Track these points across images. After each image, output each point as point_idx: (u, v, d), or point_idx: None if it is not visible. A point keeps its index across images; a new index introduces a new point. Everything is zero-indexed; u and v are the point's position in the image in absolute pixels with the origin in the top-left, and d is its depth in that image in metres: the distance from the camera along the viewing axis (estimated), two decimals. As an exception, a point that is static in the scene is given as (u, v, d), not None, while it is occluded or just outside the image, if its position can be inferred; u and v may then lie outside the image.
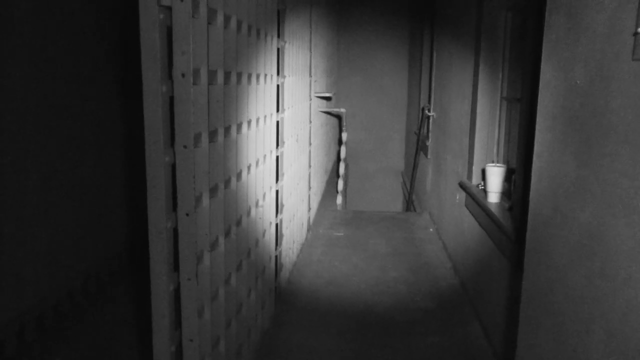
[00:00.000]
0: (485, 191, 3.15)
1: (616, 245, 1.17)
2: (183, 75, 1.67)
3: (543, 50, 1.65)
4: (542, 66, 1.65)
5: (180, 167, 1.73)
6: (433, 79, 5.57)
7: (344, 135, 5.81)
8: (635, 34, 1.09)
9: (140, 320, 3.53)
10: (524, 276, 1.81)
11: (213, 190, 2.01)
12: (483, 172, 3.26)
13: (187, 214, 1.77)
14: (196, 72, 1.78)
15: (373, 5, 8.09)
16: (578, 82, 1.37)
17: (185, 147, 1.71)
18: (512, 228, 2.57)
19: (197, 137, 1.82)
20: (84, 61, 3.88)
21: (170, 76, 1.69)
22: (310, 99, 4.78)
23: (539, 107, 1.67)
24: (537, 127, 1.68)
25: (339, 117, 6.98)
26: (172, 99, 1.71)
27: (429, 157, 5.67)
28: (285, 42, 3.33)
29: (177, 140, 1.72)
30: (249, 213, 2.54)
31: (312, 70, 4.85)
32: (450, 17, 4.82)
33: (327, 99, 5.88)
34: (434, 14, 5.73)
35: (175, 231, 1.81)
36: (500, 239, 2.72)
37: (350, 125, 7.96)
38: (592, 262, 1.28)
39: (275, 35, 3.03)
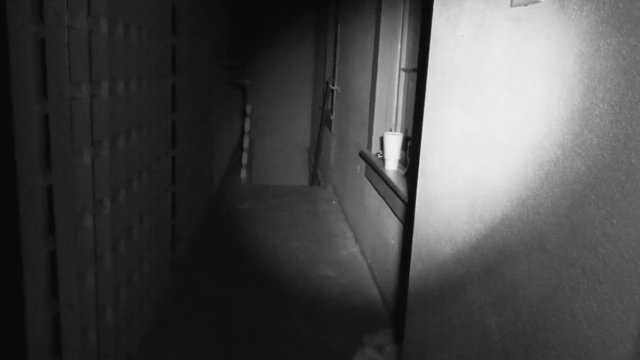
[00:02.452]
0: (383, 159, 3.22)
1: (495, 188, 1.22)
2: (55, 14, 1.51)
3: (434, 9, 1.68)
4: (432, 24, 1.68)
5: (54, 117, 1.57)
6: (337, 52, 5.60)
7: (248, 108, 5.70)
8: (514, -20, 1.13)
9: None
10: (414, 233, 1.86)
11: (96, 147, 1.86)
12: (382, 140, 3.34)
13: (63, 171, 1.62)
14: (74, 14, 1.62)
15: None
16: (463, 34, 1.41)
17: (59, 94, 1.55)
18: (406, 192, 2.65)
19: (76, 86, 1.67)
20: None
21: (41, 17, 1.52)
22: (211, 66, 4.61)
23: (429, 64, 1.71)
24: (428, 84, 1.72)
25: (243, 88, 6.83)
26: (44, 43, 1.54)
27: (332, 131, 5.72)
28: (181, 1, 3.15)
29: (50, 87, 1.55)
30: (140, 177, 2.40)
31: (214, 37, 4.67)
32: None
33: (231, 68, 5.72)
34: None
35: (51, 191, 1.66)
36: (395, 203, 2.80)
37: (255, 100, 7.83)
38: (474, 207, 1.33)
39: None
